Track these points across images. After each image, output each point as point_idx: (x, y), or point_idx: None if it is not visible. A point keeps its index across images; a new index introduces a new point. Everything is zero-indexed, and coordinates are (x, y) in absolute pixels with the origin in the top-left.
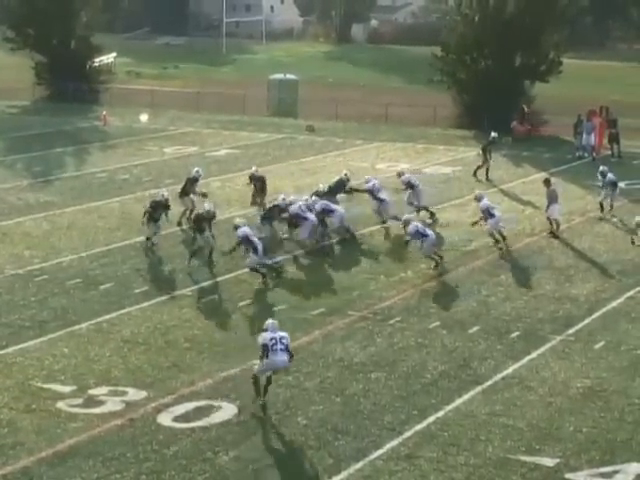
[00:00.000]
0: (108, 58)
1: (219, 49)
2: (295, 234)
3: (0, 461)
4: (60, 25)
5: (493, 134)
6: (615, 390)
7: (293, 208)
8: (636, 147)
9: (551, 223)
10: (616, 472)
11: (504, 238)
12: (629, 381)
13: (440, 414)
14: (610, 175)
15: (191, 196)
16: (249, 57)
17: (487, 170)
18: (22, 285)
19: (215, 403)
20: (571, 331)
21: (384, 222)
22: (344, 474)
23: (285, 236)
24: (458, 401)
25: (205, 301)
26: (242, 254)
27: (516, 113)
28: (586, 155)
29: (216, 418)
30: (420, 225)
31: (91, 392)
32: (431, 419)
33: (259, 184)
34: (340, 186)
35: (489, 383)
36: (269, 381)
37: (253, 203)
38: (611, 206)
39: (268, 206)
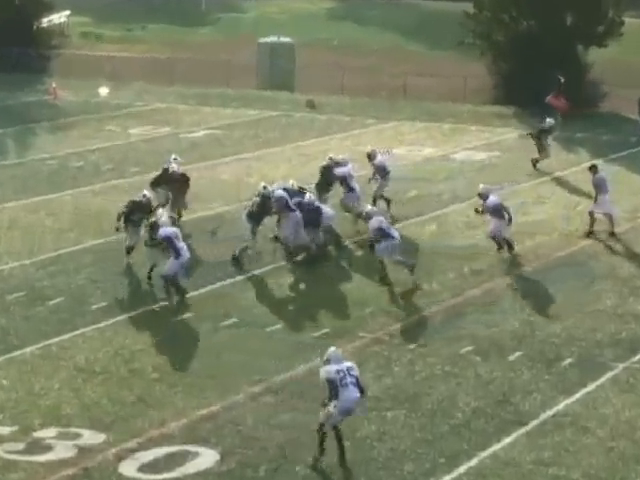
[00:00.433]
0: (60, 17)
1: (197, 5)
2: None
3: None
4: None
5: (549, 120)
6: None
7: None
8: None
9: (592, 221)
10: None
11: (511, 247)
12: None
13: (473, 462)
14: None
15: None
16: (234, 15)
17: (537, 160)
18: None
19: (191, 449)
20: (637, 357)
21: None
22: None
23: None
24: (496, 446)
25: (178, 320)
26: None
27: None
28: None
29: (192, 467)
30: (385, 222)
31: (36, 435)
32: (462, 469)
33: (177, 185)
34: (330, 175)
35: (535, 423)
36: (339, 435)
37: (172, 209)
38: None
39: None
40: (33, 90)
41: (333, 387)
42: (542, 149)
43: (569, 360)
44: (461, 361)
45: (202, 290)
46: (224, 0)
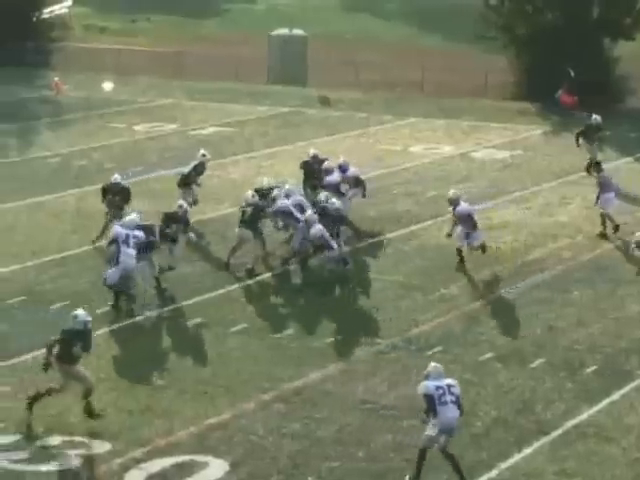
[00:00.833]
0: (61, 8)
1: None
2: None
3: None
4: None
5: (595, 117)
6: None
7: (281, 203)
8: None
9: (604, 221)
10: None
11: (484, 250)
12: None
13: (493, 473)
14: None
15: (193, 187)
16: (244, 7)
17: (590, 162)
18: None
19: (200, 458)
20: None
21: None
22: None
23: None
24: (517, 456)
25: (187, 325)
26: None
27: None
28: None
29: (201, 478)
30: (326, 232)
31: (39, 443)
32: None
33: (118, 198)
34: (313, 171)
35: (557, 433)
36: (454, 462)
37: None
38: None
39: (247, 202)
40: (33, 85)
41: (431, 404)
42: (590, 148)
43: (593, 368)
44: (481, 368)
45: (211, 295)
46: None
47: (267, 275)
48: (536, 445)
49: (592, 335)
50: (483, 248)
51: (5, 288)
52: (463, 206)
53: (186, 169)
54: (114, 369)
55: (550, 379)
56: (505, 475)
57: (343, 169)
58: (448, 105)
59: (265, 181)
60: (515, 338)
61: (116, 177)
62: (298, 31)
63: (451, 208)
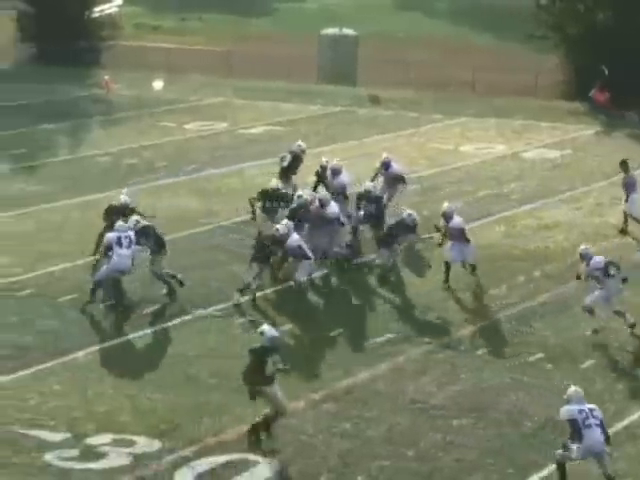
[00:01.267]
0: (111, 7)
1: None
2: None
3: None
4: None
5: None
6: None
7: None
8: None
9: (626, 219)
10: None
11: (474, 269)
12: None
13: (544, 473)
14: None
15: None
16: (294, 6)
17: None
18: None
19: (250, 457)
20: None
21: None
22: None
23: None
24: None
25: (237, 324)
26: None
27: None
28: None
29: (251, 476)
30: (303, 242)
31: (89, 441)
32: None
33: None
34: (296, 166)
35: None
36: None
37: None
38: None
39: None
40: (84, 84)
41: (576, 428)
42: None
43: None
44: (530, 369)
45: (258, 294)
46: None
47: (317, 274)
48: None
49: None
50: (473, 268)
51: (56, 286)
52: (456, 220)
53: (285, 162)
54: (164, 367)
55: (601, 380)
56: (555, 475)
57: (386, 166)
58: (498, 104)
59: (274, 182)
60: (565, 339)
61: (125, 198)
62: (349, 30)
63: (442, 221)
